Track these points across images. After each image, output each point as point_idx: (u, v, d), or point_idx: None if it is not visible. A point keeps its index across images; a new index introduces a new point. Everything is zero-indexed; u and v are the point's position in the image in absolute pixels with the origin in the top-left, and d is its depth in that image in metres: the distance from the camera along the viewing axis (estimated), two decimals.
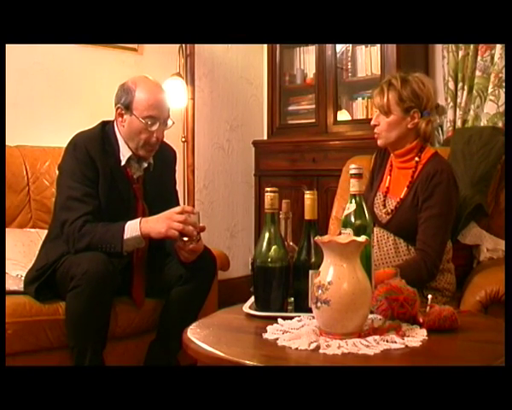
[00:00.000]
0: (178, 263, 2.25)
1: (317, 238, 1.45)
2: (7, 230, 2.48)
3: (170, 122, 2.31)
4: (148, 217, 2.19)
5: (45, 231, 2.42)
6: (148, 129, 2.23)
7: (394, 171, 2.24)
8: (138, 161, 2.32)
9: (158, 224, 2.12)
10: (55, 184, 2.40)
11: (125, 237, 2.11)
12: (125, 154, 2.28)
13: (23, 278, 2.28)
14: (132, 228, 2.13)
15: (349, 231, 1.63)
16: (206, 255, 2.29)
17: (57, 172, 2.32)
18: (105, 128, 2.31)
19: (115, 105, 2.29)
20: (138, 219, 2.15)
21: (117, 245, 2.10)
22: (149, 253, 2.34)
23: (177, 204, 2.47)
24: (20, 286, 2.26)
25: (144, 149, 2.27)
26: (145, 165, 2.34)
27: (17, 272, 2.36)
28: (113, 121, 2.34)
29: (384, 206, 2.20)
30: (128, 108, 2.24)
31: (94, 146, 2.23)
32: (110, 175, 2.24)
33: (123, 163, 2.27)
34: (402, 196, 2.15)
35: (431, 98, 2.17)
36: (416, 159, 2.17)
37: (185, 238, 2.14)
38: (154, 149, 2.30)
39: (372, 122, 2.22)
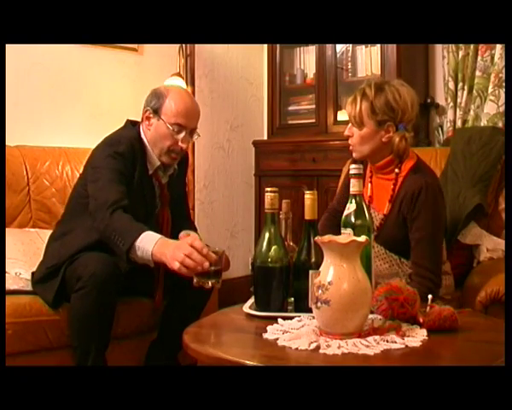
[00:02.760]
0: None
1: (317, 238, 1.45)
2: (6, 230, 2.47)
3: (196, 136, 2.30)
4: (168, 240, 1.98)
5: (45, 231, 2.42)
6: (173, 136, 2.22)
7: (374, 179, 2.15)
8: (164, 168, 2.30)
9: (168, 252, 1.89)
10: (84, 177, 2.26)
11: (138, 253, 1.94)
12: (152, 162, 2.25)
13: (30, 278, 2.27)
14: (144, 250, 1.92)
15: (349, 231, 1.63)
16: None
17: (88, 166, 2.24)
18: (136, 129, 2.28)
19: (144, 108, 2.28)
20: (156, 239, 1.93)
21: (126, 243, 1.95)
22: None
23: (186, 205, 2.51)
24: (20, 285, 2.26)
25: (167, 156, 2.25)
26: (171, 171, 2.33)
27: (16, 270, 2.35)
28: (139, 124, 2.31)
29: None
30: (157, 112, 2.23)
31: (136, 146, 2.21)
32: (140, 179, 2.21)
33: (150, 172, 2.25)
34: (385, 213, 2.07)
35: (407, 111, 2.02)
36: (396, 170, 2.06)
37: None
38: (177, 157, 2.27)
39: (345, 133, 2.11)
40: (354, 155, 2.12)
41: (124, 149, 2.16)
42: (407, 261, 2.05)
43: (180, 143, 2.23)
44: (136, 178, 2.20)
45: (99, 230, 2.06)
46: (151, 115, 2.24)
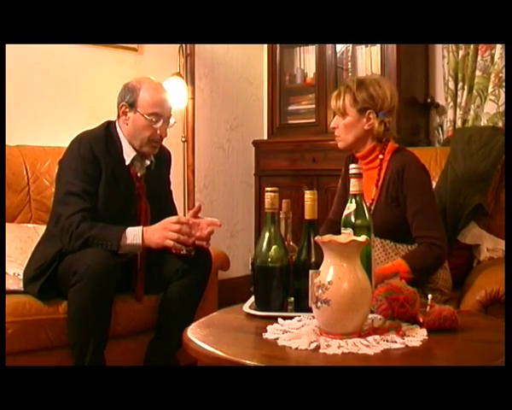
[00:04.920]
0: (175, 258, 2.30)
1: (317, 238, 1.45)
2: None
3: (172, 120, 2.38)
4: (148, 226, 2.22)
5: (42, 227, 2.43)
6: (152, 126, 2.30)
7: (363, 174, 2.23)
8: (141, 159, 2.37)
9: (155, 235, 2.17)
10: (54, 179, 2.41)
11: (127, 242, 2.16)
12: (129, 153, 2.33)
13: (21, 277, 2.28)
14: (134, 235, 2.17)
15: (349, 230, 1.63)
16: (200, 250, 2.31)
17: (57, 167, 2.35)
18: (109, 127, 2.36)
19: (119, 104, 2.34)
20: (140, 228, 2.19)
21: (113, 244, 2.13)
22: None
23: (172, 204, 2.57)
24: (20, 286, 2.26)
25: (149, 146, 2.33)
26: (147, 163, 2.39)
27: (14, 270, 2.35)
28: (115, 121, 2.38)
29: None
30: (132, 105, 2.30)
31: (98, 144, 2.28)
32: (112, 174, 2.28)
33: (127, 163, 2.32)
34: (373, 197, 2.15)
35: (386, 99, 2.16)
36: (380, 156, 2.18)
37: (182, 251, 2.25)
38: (157, 145, 2.37)
39: (332, 125, 2.25)
40: (339, 144, 2.25)
41: (83, 151, 2.24)
42: (402, 246, 2.10)
43: (159, 132, 2.31)
44: (108, 172, 2.26)
45: (77, 247, 2.13)
46: (127, 110, 2.32)
